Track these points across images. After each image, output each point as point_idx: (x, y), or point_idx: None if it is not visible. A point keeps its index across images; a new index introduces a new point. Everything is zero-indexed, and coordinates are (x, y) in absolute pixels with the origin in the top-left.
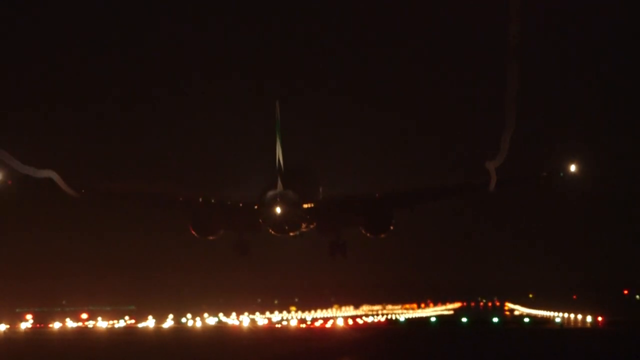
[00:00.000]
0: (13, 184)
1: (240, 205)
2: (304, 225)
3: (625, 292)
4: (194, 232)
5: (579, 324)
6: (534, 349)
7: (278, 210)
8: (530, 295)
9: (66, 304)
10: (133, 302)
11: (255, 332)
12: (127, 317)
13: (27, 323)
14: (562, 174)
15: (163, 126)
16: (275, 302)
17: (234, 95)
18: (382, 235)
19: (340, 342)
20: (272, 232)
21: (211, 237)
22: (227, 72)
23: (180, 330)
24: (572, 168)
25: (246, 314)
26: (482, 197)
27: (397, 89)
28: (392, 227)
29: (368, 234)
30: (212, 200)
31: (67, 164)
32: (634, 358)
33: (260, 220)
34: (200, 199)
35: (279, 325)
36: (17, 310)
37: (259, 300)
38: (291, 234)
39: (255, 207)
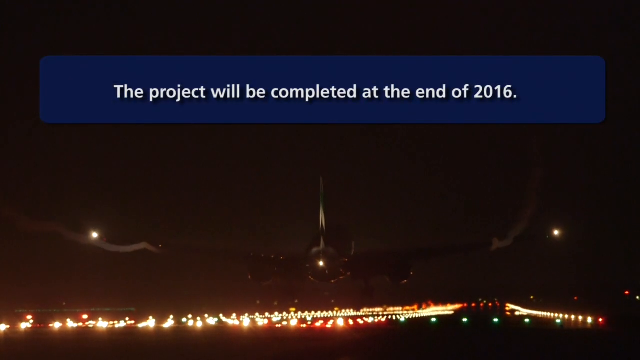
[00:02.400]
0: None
1: (289, 259)
2: (341, 275)
3: (626, 292)
4: (251, 279)
5: (580, 325)
6: (534, 349)
7: (321, 263)
8: (532, 297)
9: (66, 306)
10: (133, 304)
11: (255, 332)
12: (127, 319)
13: (27, 323)
14: (548, 237)
15: (225, 195)
16: (275, 303)
17: (283, 169)
18: (404, 282)
19: (341, 342)
20: (315, 280)
21: (264, 284)
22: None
23: (180, 331)
24: (556, 232)
25: (246, 314)
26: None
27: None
28: (411, 273)
29: (390, 281)
30: (268, 255)
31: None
32: (634, 359)
33: (305, 271)
34: (259, 254)
35: (279, 326)
36: (17, 311)
37: (258, 302)
38: (331, 281)
39: (302, 260)
